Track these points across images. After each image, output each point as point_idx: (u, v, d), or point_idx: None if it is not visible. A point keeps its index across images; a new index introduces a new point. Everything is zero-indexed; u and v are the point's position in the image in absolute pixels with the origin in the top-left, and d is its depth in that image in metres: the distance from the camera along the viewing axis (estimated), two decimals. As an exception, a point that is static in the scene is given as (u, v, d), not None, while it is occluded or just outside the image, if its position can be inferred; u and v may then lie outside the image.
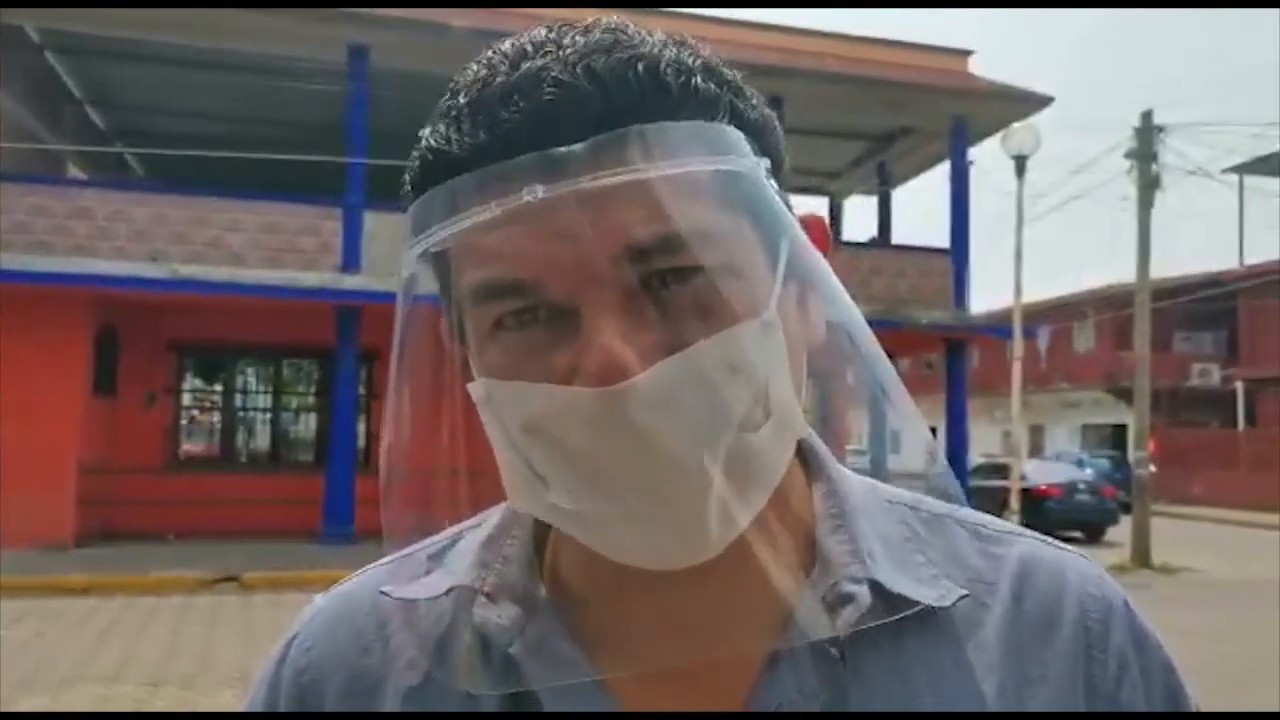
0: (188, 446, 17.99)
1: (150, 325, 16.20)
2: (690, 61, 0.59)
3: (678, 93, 0.57)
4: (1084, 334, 36.98)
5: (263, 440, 18.45)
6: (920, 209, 23.14)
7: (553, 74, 0.56)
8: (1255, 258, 32.36)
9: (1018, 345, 16.66)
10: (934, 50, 19.89)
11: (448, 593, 0.68)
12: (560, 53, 0.57)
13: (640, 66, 0.57)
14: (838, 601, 0.63)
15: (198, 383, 18.65)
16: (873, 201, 22.17)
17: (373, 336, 15.68)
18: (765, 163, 0.60)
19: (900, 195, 23.47)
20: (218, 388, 18.43)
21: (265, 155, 15.90)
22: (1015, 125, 16.82)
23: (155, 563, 12.77)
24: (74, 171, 19.50)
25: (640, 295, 0.56)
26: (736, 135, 0.59)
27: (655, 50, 0.59)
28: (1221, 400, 33.84)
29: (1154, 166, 17.47)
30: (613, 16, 0.62)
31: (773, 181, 0.61)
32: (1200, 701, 0.71)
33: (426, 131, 0.60)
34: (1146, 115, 17.69)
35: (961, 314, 18.09)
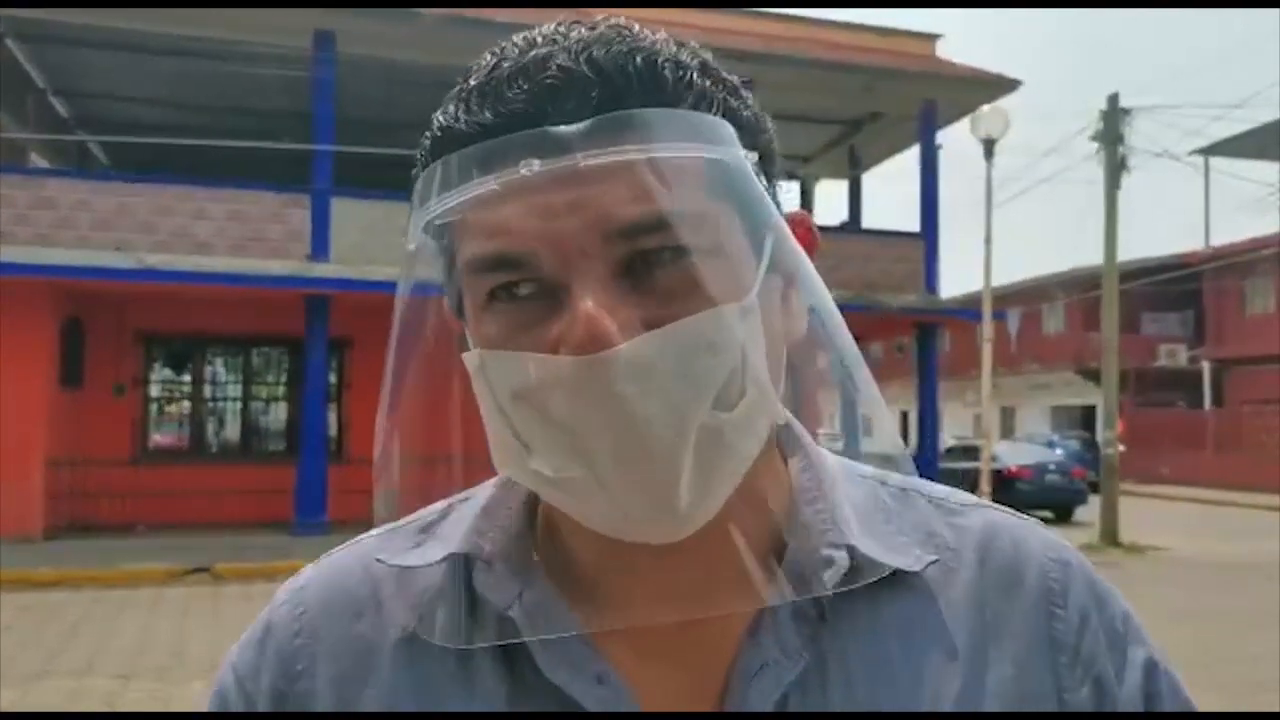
0: (156, 438, 17.79)
1: (116, 316, 16.01)
2: (688, 60, 0.63)
3: (673, 86, 0.61)
4: (1053, 316, 37.26)
5: (233, 431, 18.29)
6: (892, 193, 23.24)
7: (557, 61, 0.60)
8: (1220, 239, 32.77)
9: (987, 328, 16.77)
10: (903, 34, 19.93)
11: (443, 560, 0.70)
12: (566, 43, 0.61)
13: (639, 59, 0.61)
14: (818, 565, 0.66)
15: (166, 373, 18.44)
16: (843, 186, 22.22)
17: (343, 325, 15.58)
18: (753, 156, 0.63)
19: (870, 179, 23.53)
20: (186, 378, 18.24)
21: (231, 143, 15.73)
22: (984, 109, 16.89)
23: (125, 555, 12.66)
24: (36, 160, 19.23)
25: (626, 273, 0.59)
26: (728, 128, 0.62)
27: (655, 46, 0.63)
28: (1188, 380, 34.22)
29: (1121, 149, 17.60)
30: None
31: (762, 178, 0.64)
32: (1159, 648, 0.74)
33: (438, 112, 0.64)
34: (1113, 99, 17.80)
35: (932, 298, 18.18)
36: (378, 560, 0.72)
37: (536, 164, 0.58)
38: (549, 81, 0.60)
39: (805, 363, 0.69)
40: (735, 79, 0.67)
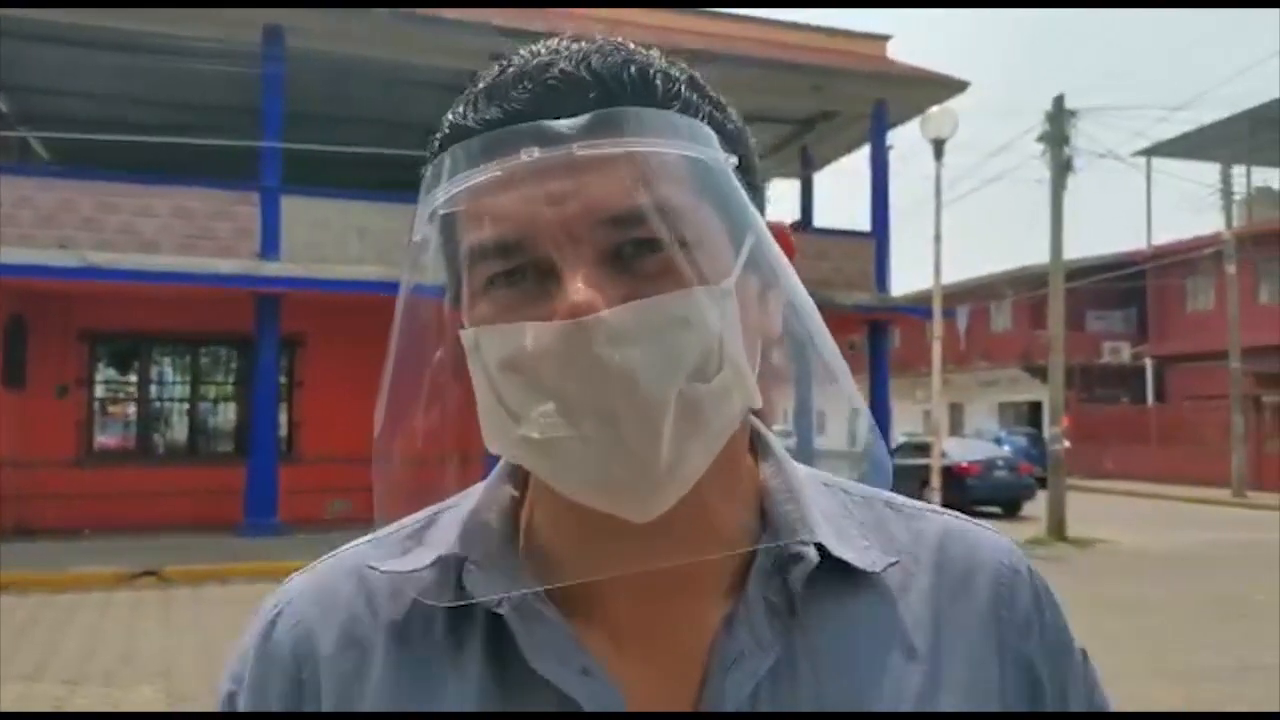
0: (102, 439, 17.49)
1: (60, 315, 15.73)
2: (677, 74, 0.70)
3: (663, 93, 0.67)
4: (1001, 314, 37.78)
5: (180, 431, 18.04)
6: (844, 190, 23.41)
7: (559, 66, 0.67)
8: (1162, 238, 33.42)
9: (937, 325, 16.94)
10: (853, 35, 20.11)
11: (433, 564, 0.73)
12: (567, 52, 0.68)
13: (633, 68, 0.67)
14: (789, 560, 0.72)
15: (111, 373, 18.14)
16: (795, 185, 22.37)
17: (294, 323, 15.41)
18: (734, 161, 0.68)
19: (822, 178, 23.70)
20: (132, 378, 17.95)
21: (178, 139, 15.50)
22: (933, 109, 17.06)
23: (72, 558, 12.45)
24: (-24, 156, 18.81)
25: (613, 259, 0.64)
26: (711, 133, 0.67)
27: (648, 60, 0.69)
28: (1132, 376, 34.84)
29: (1066, 150, 17.89)
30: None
31: (743, 185, 0.68)
32: (1086, 645, 0.81)
33: (449, 112, 0.70)
34: (1058, 100, 18.09)
35: (883, 296, 18.38)
36: (369, 567, 0.75)
37: (536, 151, 0.63)
38: (550, 83, 0.66)
39: (786, 360, 0.73)
40: (720, 96, 0.73)
